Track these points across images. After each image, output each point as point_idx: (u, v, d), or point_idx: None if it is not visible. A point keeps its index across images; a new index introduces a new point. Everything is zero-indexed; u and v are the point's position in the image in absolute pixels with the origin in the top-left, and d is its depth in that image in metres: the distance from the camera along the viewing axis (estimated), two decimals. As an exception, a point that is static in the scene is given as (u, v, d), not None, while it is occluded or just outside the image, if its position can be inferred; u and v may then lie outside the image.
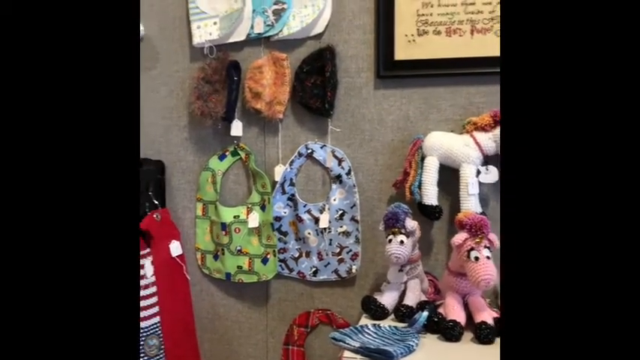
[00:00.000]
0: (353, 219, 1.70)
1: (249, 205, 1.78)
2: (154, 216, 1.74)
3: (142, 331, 1.61)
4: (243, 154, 1.79)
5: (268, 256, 1.76)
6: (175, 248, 1.79)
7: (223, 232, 1.77)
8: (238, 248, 1.77)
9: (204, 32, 1.74)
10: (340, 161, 1.70)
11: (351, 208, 1.70)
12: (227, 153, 1.80)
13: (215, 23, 1.73)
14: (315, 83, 1.68)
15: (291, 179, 1.74)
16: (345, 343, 1.29)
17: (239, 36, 1.73)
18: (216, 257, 1.82)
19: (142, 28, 1.79)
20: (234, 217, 1.77)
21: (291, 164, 1.74)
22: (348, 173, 1.69)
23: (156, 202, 1.78)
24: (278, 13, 1.69)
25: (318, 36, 1.70)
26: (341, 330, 1.36)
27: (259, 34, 1.71)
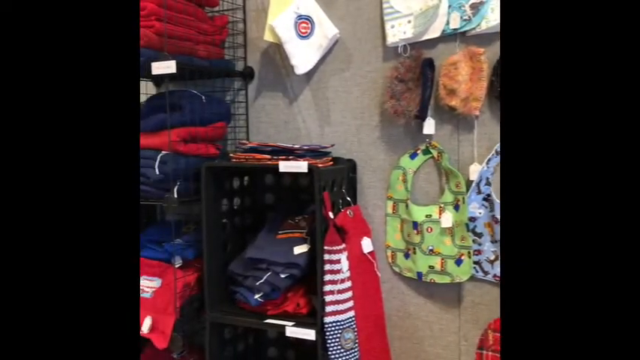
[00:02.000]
0: (557, 221, 1.59)
1: (442, 205, 1.75)
2: (347, 212, 1.79)
3: (338, 323, 1.67)
4: (435, 153, 1.76)
5: (462, 258, 1.71)
6: (367, 245, 1.82)
7: (415, 231, 1.76)
8: (430, 248, 1.75)
9: (399, 31, 1.75)
10: (543, 159, 1.60)
11: (556, 209, 1.59)
12: (418, 151, 1.79)
13: (409, 22, 1.73)
14: (516, 77, 1.60)
15: (488, 178, 1.68)
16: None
17: (434, 33, 1.71)
18: (407, 256, 1.82)
19: (337, 30, 1.86)
20: (426, 216, 1.75)
21: (487, 162, 1.67)
22: (553, 172, 1.58)
23: (348, 199, 1.83)
24: (476, 7, 1.64)
25: (519, 27, 1.61)
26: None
27: (455, 29, 1.67)
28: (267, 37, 1.86)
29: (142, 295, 1.87)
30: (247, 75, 2.02)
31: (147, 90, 2.15)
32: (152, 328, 1.77)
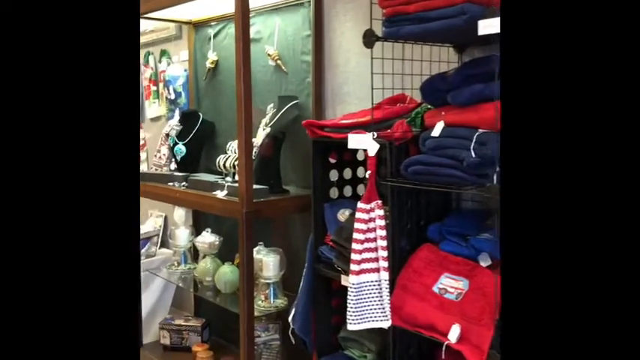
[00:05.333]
0: None
1: None
2: None
3: None
4: None
5: None
6: None
7: None
8: None
9: None
10: None
11: None
12: None
13: None
14: None
15: None
16: None
17: None
18: None
19: None
20: None
21: None
22: None
23: None
24: None
25: None
26: None
27: None
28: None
29: (444, 295, 1.63)
30: (583, 32, 1.60)
31: (448, 57, 1.87)
32: (461, 338, 1.51)
